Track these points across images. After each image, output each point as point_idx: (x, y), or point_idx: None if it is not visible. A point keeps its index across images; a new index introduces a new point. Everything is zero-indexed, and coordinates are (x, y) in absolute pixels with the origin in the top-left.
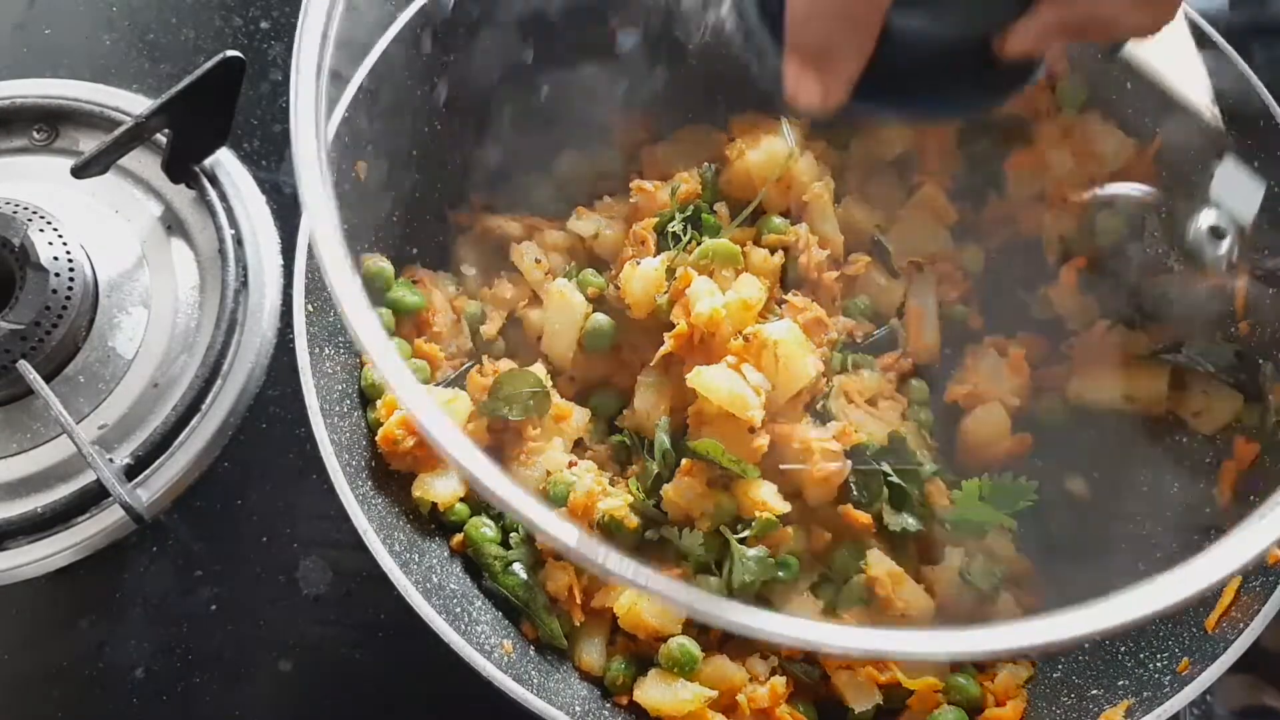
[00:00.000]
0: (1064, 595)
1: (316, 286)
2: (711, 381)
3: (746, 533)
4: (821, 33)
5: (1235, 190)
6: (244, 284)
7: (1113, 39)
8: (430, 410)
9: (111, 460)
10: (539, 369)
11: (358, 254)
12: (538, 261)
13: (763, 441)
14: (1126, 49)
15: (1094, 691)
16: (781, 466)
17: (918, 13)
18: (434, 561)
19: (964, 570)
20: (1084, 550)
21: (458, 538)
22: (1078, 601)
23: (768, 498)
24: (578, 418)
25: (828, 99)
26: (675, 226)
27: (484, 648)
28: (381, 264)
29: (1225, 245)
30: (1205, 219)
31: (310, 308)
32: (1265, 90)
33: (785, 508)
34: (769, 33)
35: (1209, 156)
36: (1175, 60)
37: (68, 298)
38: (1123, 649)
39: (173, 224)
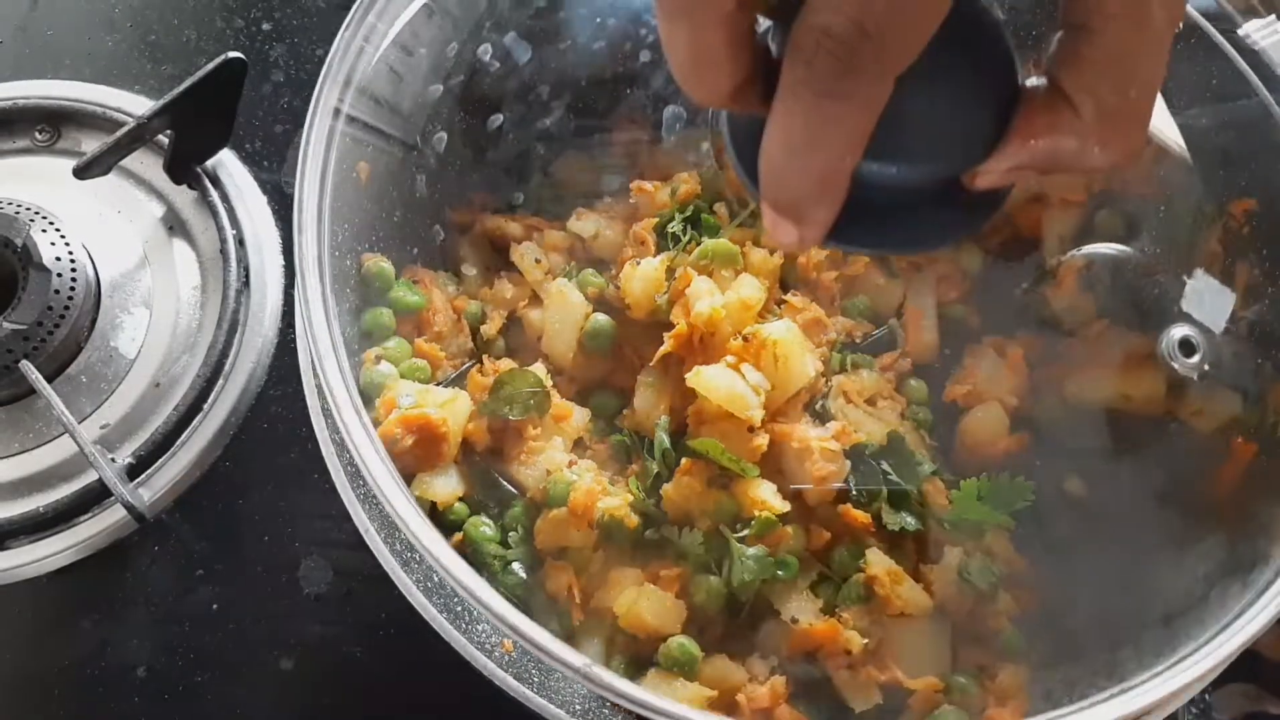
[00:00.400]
0: (1062, 595)
1: None
2: (711, 381)
3: (746, 532)
4: (792, 191)
5: (1206, 303)
6: (246, 284)
7: (1079, 173)
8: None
9: (113, 460)
10: (539, 369)
11: (358, 254)
12: (538, 261)
13: (762, 441)
14: None
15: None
16: (791, 487)
17: (886, 161)
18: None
19: (963, 569)
20: (1082, 549)
21: (457, 537)
22: (1074, 600)
23: (768, 497)
24: (578, 417)
25: (804, 244)
26: (675, 226)
27: (484, 646)
28: (382, 264)
29: (1197, 358)
30: (1176, 333)
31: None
32: (1265, 90)
33: (785, 507)
34: (749, 180)
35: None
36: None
37: (70, 298)
38: None
39: (174, 224)
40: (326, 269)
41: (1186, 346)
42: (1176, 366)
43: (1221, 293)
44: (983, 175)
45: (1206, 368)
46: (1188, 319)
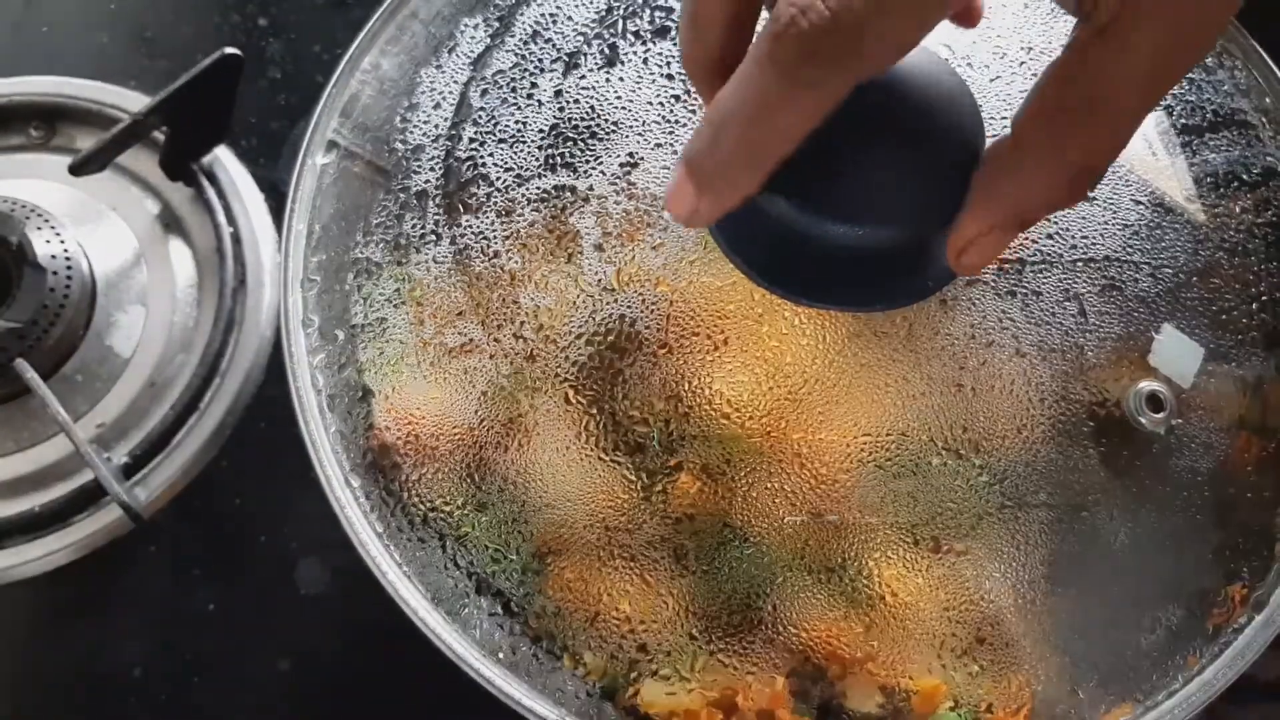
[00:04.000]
0: (1063, 594)
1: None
2: (711, 380)
3: (746, 532)
4: (711, 155)
5: (1174, 357)
6: (242, 282)
7: (1041, 218)
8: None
9: (109, 459)
10: (539, 368)
11: (354, 252)
12: (537, 261)
13: (763, 439)
14: None
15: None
16: (787, 518)
17: (850, 225)
18: (432, 561)
19: (966, 568)
20: (1082, 548)
21: (456, 537)
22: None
23: (768, 496)
24: (578, 417)
25: (695, 219)
26: None
27: (484, 647)
28: (380, 263)
29: (1164, 413)
30: (1144, 387)
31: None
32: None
33: (785, 507)
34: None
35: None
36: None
37: (65, 296)
38: None
39: (170, 222)
40: (307, 288)
41: (1154, 402)
42: (1144, 421)
43: (1191, 347)
44: (968, 249)
45: (1174, 423)
46: (1155, 374)
